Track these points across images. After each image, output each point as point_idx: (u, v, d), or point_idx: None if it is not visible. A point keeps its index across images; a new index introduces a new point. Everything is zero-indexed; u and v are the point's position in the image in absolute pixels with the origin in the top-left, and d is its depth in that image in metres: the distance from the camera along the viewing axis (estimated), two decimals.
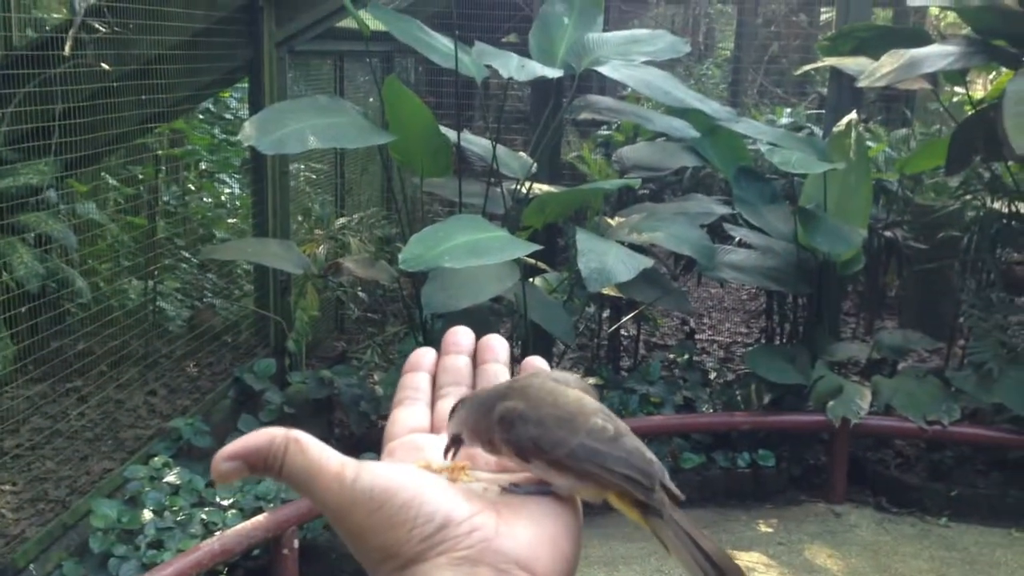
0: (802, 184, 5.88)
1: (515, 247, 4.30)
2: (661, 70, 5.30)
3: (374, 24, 5.37)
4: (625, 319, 6.34)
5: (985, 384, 5.19)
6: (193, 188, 7.06)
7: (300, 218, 6.78)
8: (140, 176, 6.05)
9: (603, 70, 5.08)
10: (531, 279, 5.54)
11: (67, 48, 4.15)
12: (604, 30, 5.44)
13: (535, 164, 5.39)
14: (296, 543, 4.07)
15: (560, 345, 6.21)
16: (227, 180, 7.55)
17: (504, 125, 6.61)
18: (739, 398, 5.53)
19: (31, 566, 3.85)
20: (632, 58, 5.15)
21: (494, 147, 5.10)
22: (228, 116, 7.80)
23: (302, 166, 6.98)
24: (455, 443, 0.68)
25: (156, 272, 5.71)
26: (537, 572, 0.59)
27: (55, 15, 5.03)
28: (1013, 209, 5.80)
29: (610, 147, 6.72)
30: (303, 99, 5.49)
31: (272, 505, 4.19)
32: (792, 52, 10.85)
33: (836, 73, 6.42)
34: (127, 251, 5.69)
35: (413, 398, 0.74)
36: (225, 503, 4.21)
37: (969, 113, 5.79)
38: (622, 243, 4.88)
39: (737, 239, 5.89)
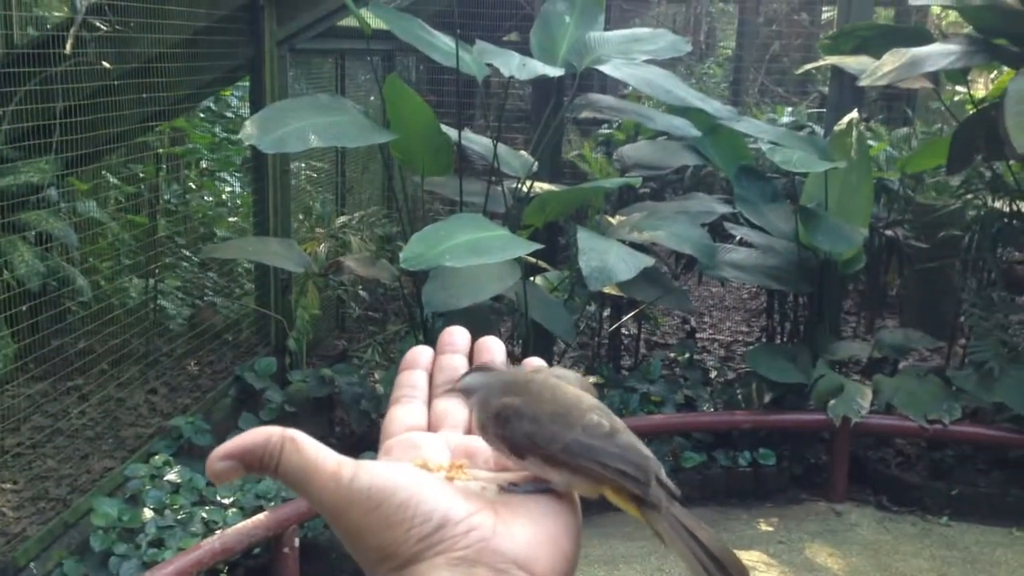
0: (803, 183, 5.87)
1: (516, 246, 4.30)
2: (662, 69, 5.30)
3: (375, 23, 5.37)
4: (626, 318, 6.33)
5: (986, 383, 5.19)
6: (194, 186, 7.06)
7: (301, 217, 6.78)
8: (141, 174, 6.05)
9: (604, 69, 5.07)
10: (532, 278, 5.54)
11: (68, 46, 4.15)
12: (605, 29, 5.43)
13: (536, 163, 5.39)
14: (297, 542, 4.07)
15: (561, 344, 6.21)
16: (228, 178, 7.56)
17: (505, 124, 6.62)
18: (740, 397, 5.53)
19: (32, 564, 3.86)
20: (633, 57, 5.14)
21: (495, 146, 5.09)
22: (229, 114, 7.80)
23: (303, 164, 6.98)
24: (462, 392, 0.69)
25: (157, 270, 5.71)
26: (536, 572, 0.59)
27: (56, 13, 5.03)
28: (1014, 208, 5.80)
29: (611, 146, 6.72)
30: (304, 98, 5.49)
31: (273, 504, 4.19)
32: (793, 51, 10.85)
33: (837, 72, 6.42)
34: (128, 249, 5.69)
35: (410, 396, 0.73)
36: (226, 502, 4.21)
37: (970, 112, 5.78)
38: (623, 242, 4.88)
39: (738, 238, 5.89)
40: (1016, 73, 4.83)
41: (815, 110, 8.42)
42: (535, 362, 0.73)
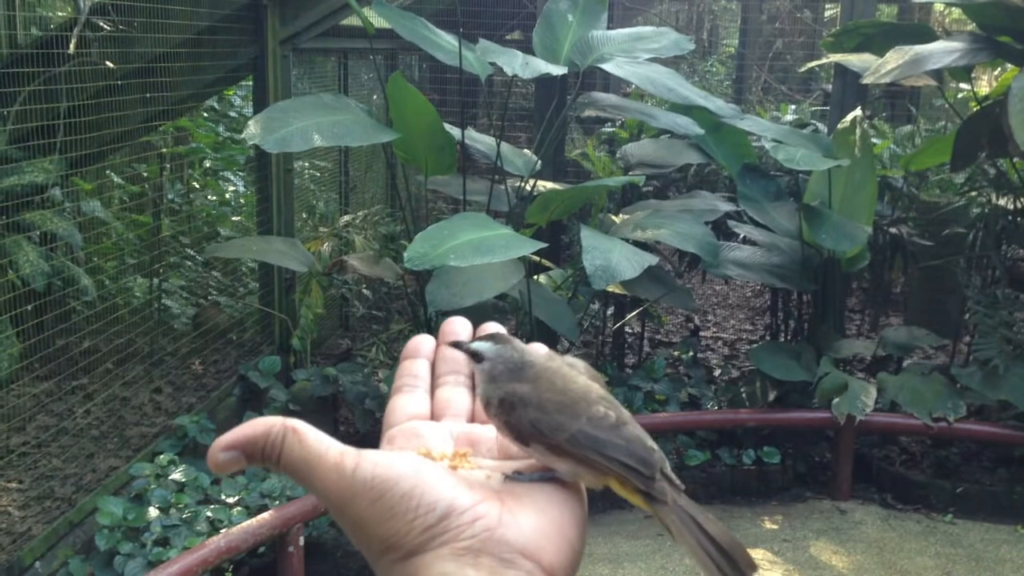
0: (807, 181, 5.87)
1: (519, 245, 4.29)
2: (665, 67, 5.30)
3: (378, 22, 5.37)
4: (630, 316, 6.33)
5: (990, 381, 5.18)
6: (198, 186, 7.07)
7: (304, 216, 6.78)
8: (145, 174, 6.06)
9: (607, 67, 5.07)
10: (536, 276, 5.54)
11: (72, 46, 4.16)
12: (608, 27, 5.43)
13: (539, 161, 5.39)
14: (302, 541, 4.07)
15: (564, 342, 6.20)
16: (231, 178, 7.56)
17: (508, 122, 6.62)
18: (744, 395, 5.52)
19: (37, 564, 3.86)
20: (636, 55, 5.14)
21: (498, 144, 5.09)
22: (232, 114, 7.81)
23: (306, 164, 6.98)
24: (471, 356, 0.70)
25: (161, 270, 5.72)
26: (542, 561, 0.58)
27: (60, 13, 5.03)
28: (1018, 205, 5.79)
29: (614, 144, 6.72)
30: (307, 97, 5.48)
31: (278, 503, 4.19)
32: (797, 49, 10.83)
33: (841, 70, 6.41)
34: (132, 249, 5.70)
35: (412, 385, 0.73)
36: (231, 501, 4.21)
37: (974, 109, 5.77)
38: (627, 240, 4.87)
39: (742, 236, 5.88)
40: (1020, 70, 4.82)
41: (818, 108, 8.41)
42: (540, 348, 0.72)
